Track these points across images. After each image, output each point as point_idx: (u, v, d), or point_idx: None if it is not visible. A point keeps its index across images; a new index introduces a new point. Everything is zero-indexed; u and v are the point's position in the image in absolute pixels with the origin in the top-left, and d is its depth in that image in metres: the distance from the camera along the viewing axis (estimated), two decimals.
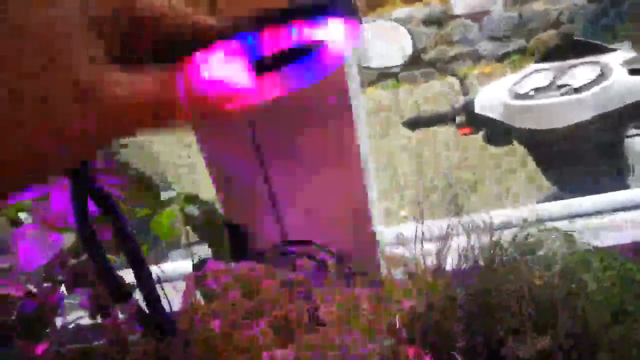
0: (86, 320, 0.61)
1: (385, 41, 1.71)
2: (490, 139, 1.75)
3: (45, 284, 0.55)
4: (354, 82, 0.79)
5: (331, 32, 0.29)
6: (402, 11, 5.72)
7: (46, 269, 0.54)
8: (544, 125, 1.53)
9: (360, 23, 0.30)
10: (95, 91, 0.22)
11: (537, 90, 1.59)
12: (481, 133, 1.75)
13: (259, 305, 0.58)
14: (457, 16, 5.74)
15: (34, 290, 0.55)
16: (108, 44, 0.24)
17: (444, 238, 0.76)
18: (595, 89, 1.47)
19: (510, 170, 3.00)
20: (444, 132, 2.61)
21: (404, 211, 3.16)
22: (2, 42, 0.21)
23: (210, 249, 0.73)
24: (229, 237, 0.74)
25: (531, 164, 1.88)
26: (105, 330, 0.53)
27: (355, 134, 0.77)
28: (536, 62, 1.74)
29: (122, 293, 0.52)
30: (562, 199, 1.60)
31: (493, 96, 1.67)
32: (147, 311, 0.53)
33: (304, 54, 0.34)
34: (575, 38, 1.71)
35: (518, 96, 1.61)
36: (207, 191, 0.85)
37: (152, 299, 0.53)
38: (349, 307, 0.59)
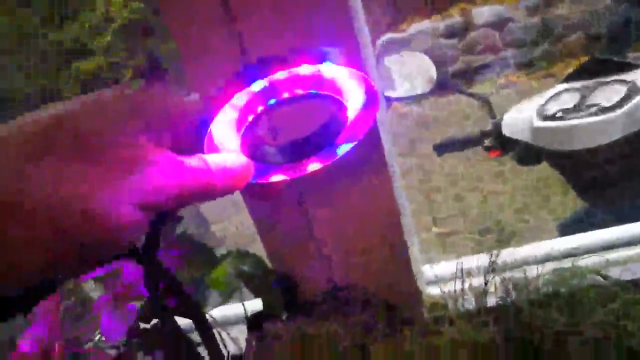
0: None
1: (409, 71, 1.75)
2: (520, 160, 1.76)
3: (124, 350, 0.61)
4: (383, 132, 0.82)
5: (338, 73, 0.30)
6: (421, 25, 5.73)
7: (126, 336, 0.60)
8: (575, 146, 1.54)
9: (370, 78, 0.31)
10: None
11: (565, 111, 1.60)
12: (510, 154, 1.77)
13: None
14: (480, 26, 5.72)
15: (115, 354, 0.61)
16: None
17: (485, 279, 0.79)
18: (624, 107, 1.48)
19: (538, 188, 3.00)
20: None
21: (436, 228, 3.17)
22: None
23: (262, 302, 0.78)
24: (279, 288, 0.79)
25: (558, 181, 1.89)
26: None
27: (391, 184, 0.81)
28: (562, 82, 1.75)
29: (193, 353, 0.59)
30: (595, 216, 1.60)
31: (521, 118, 1.69)
32: None
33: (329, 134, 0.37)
34: (598, 56, 1.71)
35: (546, 118, 1.62)
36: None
37: (218, 358, 0.60)
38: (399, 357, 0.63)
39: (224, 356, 0.58)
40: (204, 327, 0.56)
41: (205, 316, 0.56)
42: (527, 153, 1.69)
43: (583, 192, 1.67)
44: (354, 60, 0.31)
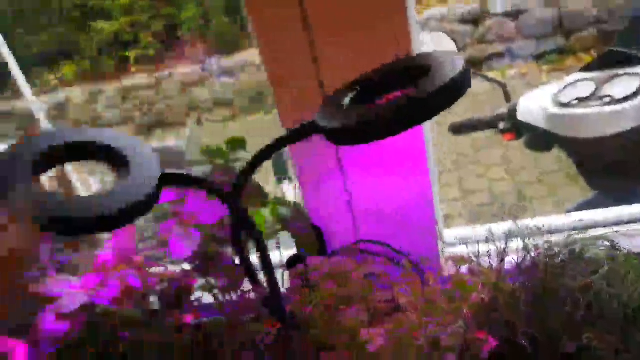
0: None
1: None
2: (531, 145, 1.83)
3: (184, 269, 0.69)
4: None
5: None
6: (437, 10, 5.74)
7: (188, 258, 0.68)
8: (587, 134, 1.60)
9: None
10: None
11: (579, 99, 1.66)
12: (523, 139, 1.83)
13: (349, 293, 0.69)
14: (494, 14, 5.72)
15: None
16: None
17: (505, 240, 0.86)
18: (636, 100, 1.54)
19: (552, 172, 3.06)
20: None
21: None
22: None
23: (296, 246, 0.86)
24: (314, 232, 0.86)
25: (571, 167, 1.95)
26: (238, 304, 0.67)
27: (423, 149, 0.87)
28: (579, 72, 1.80)
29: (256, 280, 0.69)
30: (604, 205, 1.67)
31: (536, 104, 1.74)
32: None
33: None
34: (615, 49, 1.77)
35: (561, 105, 1.68)
36: None
37: (276, 290, 0.69)
38: (424, 298, 0.70)
39: (280, 290, 0.67)
40: (267, 260, 0.64)
41: (267, 249, 0.64)
42: (540, 139, 1.75)
43: (593, 179, 1.73)
44: None
